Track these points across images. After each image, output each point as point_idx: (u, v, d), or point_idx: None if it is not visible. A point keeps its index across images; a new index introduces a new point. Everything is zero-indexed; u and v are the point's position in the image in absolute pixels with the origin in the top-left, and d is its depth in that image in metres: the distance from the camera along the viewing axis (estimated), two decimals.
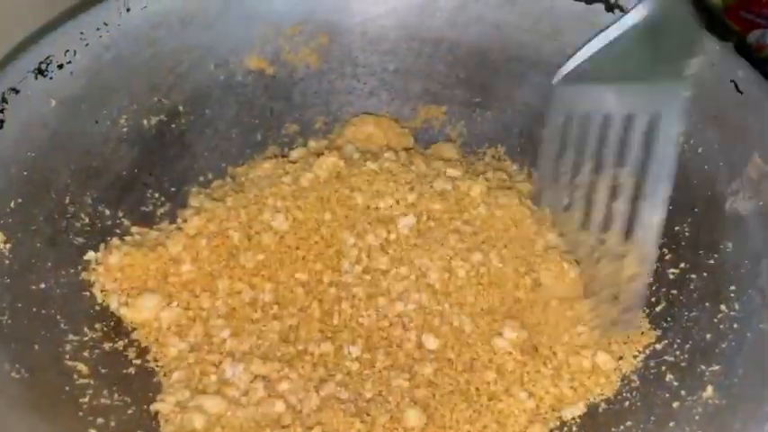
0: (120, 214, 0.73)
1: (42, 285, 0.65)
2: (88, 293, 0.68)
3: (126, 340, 0.67)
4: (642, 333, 0.66)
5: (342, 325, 0.66)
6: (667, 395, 0.61)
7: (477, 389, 0.64)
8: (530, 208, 0.73)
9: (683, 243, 0.68)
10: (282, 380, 0.63)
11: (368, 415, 0.62)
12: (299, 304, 0.67)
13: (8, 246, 0.64)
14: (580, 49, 0.73)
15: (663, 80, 0.66)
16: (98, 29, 0.72)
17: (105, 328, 0.67)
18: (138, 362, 0.66)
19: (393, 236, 0.70)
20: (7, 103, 0.67)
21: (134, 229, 0.72)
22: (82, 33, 0.72)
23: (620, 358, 0.65)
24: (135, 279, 0.68)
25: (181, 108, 0.77)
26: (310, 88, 0.81)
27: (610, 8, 0.74)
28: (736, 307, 0.62)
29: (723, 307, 0.63)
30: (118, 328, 0.67)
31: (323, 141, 0.80)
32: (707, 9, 0.95)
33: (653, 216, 0.65)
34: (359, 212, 0.71)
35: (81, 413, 0.60)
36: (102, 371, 0.64)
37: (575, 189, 0.71)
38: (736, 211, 0.66)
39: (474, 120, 0.81)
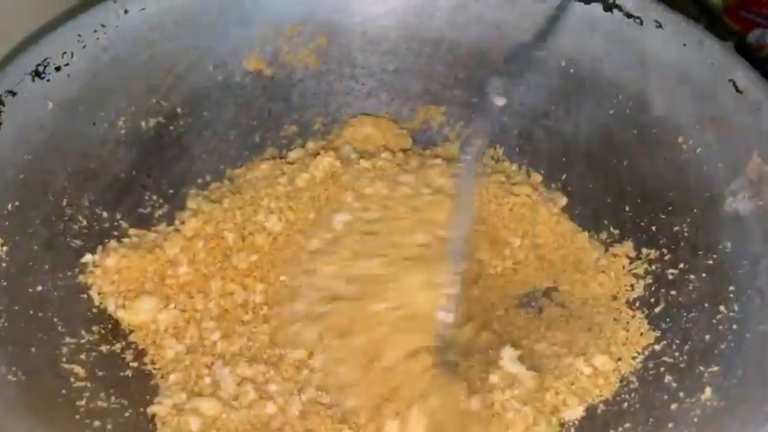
0: (118, 216, 0.73)
1: (39, 288, 0.65)
2: (85, 296, 0.68)
3: (123, 343, 0.67)
4: (641, 334, 0.66)
5: None
6: (666, 397, 0.61)
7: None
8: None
9: (682, 244, 0.68)
10: (269, 382, 0.63)
11: (355, 423, 0.62)
12: None
13: (5, 249, 0.64)
14: None
15: None
16: (95, 31, 0.72)
17: (103, 331, 0.67)
18: (136, 364, 0.66)
19: None
20: (4, 105, 0.67)
21: (132, 232, 0.72)
22: (79, 35, 0.71)
23: (619, 359, 0.65)
24: (132, 281, 0.68)
25: (179, 110, 0.77)
26: (309, 89, 0.81)
27: (608, 8, 0.73)
28: (736, 308, 0.62)
29: (722, 308, 0.63)
30: (115, 330, 0.67)
31: (321, 142, 0.80)
32: (707, 9, 0.95)
33: None
34: None
35: (78, 416, 0.60)
36: (100, 373, 0.64)
37: None
38: (736, 211, 0.65)
39: (473, 120, 0.81)
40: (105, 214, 0.72)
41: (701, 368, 0.60)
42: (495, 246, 0.74)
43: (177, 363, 0.65)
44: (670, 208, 0.70)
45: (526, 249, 0.74)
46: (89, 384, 0.62)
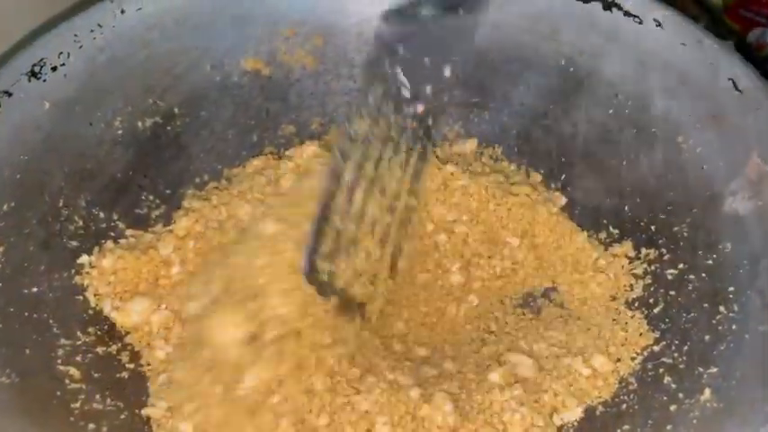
0: (115, 217, 0.72)
1: (35, 289, 0.65)
2: (81, 297, 0.67)
3: (119, 344, 0.67)
4: (640, 334, 0.66)
5: None
6: (665, 398, 0.60)
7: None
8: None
9: (681, 243, 0.68)
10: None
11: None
12: None
13: (1, 249, 0.64)
14: None
15: None
16: (92, 31, 0.72)
17: (98, 332, 0.66)
18: (132, 366, 0.66)
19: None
20: (0, 105, 0.67)
21: (128, 232, 0.72)
22: (76, 35, 0.71)
23: (618, 360, 0.65)
24: (128, 282, 0.68)
25: (176, 110, 0.77)
26: (306, 89, 0.81)
27: (607, 7, 0.73)
28: (735, 308, 0.62)
29: (722, 308, 0.62)
30: (111, 331, 0.67)
31: (319, 142, 0.80)
32: (707, 8, 0.95)
33: None
34: None
35: (72, 418, 0.60)
36: (95, 375, 0.63)
37: None
38: (736, 211, 0.65)
39: (471, 120, 0.81)
40: (102, 215, 0.72)
41: (701, 369, 0.60)
42: (493, 246, 0.74)
43: (168, 364, 0.65)
44: (669, 208, 0.70)
45: (525, 249, 0.74)
46: (84, 386, 0.62)
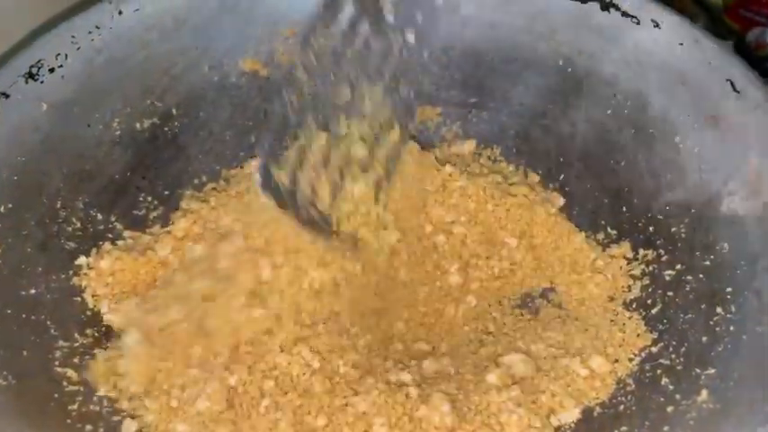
0: (113, 218, 0.72)
1: (33, 291, 0.65)
2: (79, 299, 0.68)
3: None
4: (638, 335, 0.66)
5: None
6: (662, 399, 0.60)
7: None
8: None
9: (679, 244, 0.68)
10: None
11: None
12: None
13: None
14: None
15: None
16: (90, 32, 0.72)
17: (96, 334, 0.66)
18: None
19: None
20: None
21: (126, 234, 0.72)
22: (73, 37, 0.72)
23: (616, 361, 0.65)
24: (126, 284, 0.68)
25: (174, 111, 0.77)
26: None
27: (605, 7, 0.73)
28: (733, 309, 0.62)
29: (719, 309, 0.62)
30: (109, 333, 0.67)
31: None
32: (707, 8, 0.95)
33: None
34: None
35: (69, 420, 0.60)
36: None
37: None
38: (733, 211, 0.65)
39: (469, 121, 0.81)
40: (100, 216, 0.72)
41: (698, 370, 0.60)
42: (492, 246, 0.74)
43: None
44: (667, 208, 0.70)
45: (523, 250, 0.73)
46: (82, 388, 0.62)
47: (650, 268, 0.69)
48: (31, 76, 0.69)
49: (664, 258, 0.68)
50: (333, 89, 0.65)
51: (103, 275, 0.68)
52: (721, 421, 0.56)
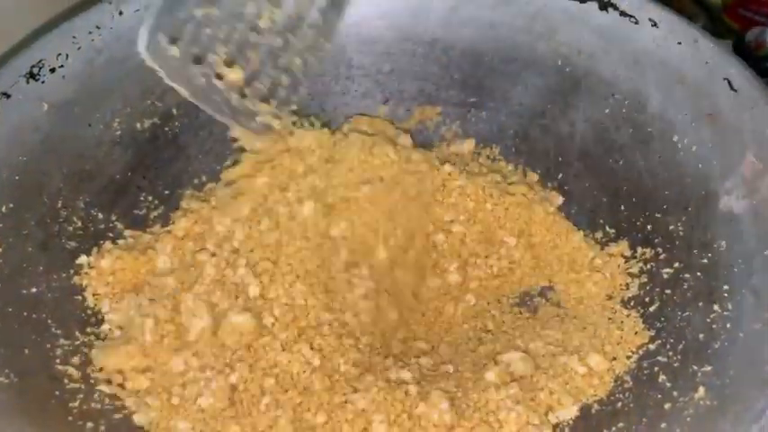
0: (114, 218, 0.73)
1: (34, 290, 0.65)
2: (80, 297, 0.68)
3: None
4: (636, 333, 0.66)
5: None
6: (659, 396, 0.61)
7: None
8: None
9: (677, 242, 0.68)
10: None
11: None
12: None
13: None
14: None
15: None
16: (90, 32, 0.73)
17: (96, 332, 0.66)
18: None
19: None
20: None
21: (127, 233, 0.72)
22: (74, 37, 0.72)
23: (614, 359, 0.65)
24: (126, 283, 0.69)
25: (174, 111, 0.77)
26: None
27: (603, 7, 0.74)
28: (730, 307, 0.62)
29: (716, 307, 0.63)
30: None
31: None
32: (706, 7, 0.95)
33: None
34: None
35: (71, 417, 0.60)
36: (93, 375, 0.64)
37: None
38: (731, 209, 0.65)
39: (469, 120, 0.81)
40: (100, 215, 0.72)
41: (695, 367, 0.60)
42: (491, 245, 0.74)
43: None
44: (665, 207, 0.70)
45: (522, 249, 0.74)
46: (82, 386, 0.62)
47: (648, 266, 0.69)
48: (31, 76, 0.69)
49: (662, 256, 0.69)
50: None
51: (104, 274, 0.68)
52: (718, 418, 0.56)
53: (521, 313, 0.71)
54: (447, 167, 0.75)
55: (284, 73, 0.71)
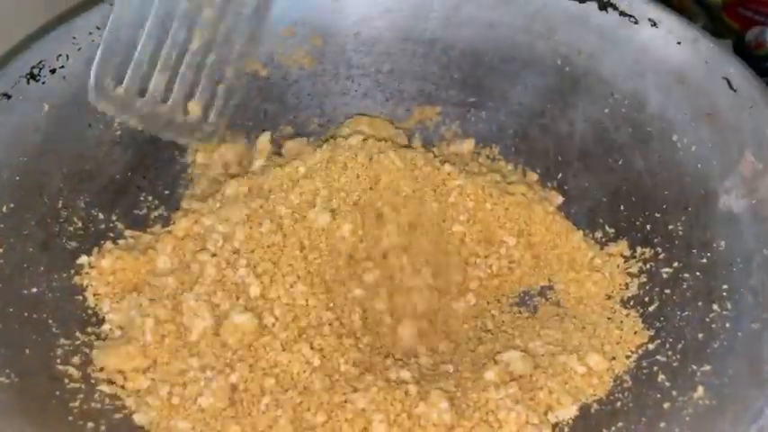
0: (114, 218, 0.73)
1: (34, 290, 0.65)
2: (81, 297, 0.68)
3: None
4: (635, 333, 0.66)
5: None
6: (659, 395, 0.61)
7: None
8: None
9: (676, 242, 0.68)
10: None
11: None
12: None
13: (0, 250, 0.65)
14: None
15: None
16: (90, 32, 0.73)
17: (97, 332, 0.66)
18: None
19: None
20: None
21: (127, 233, 0.72)
22: (74, 38, 0.72)
23: (613, 359, 0.65)
24: (127, 283, 0.69)
25: None
26: (304, 90, 0.81)
27: (603, 6, 0.74)
28: (729, 306, 0.62)
29: (715, 306, 0.63)
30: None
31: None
32: (706, 7, 0.95)
33: None
34: None
35: (71, 417, 0.60)
36: (93, 375, 0.64)
37: None
38: (730, 209, 0.66)
39: (468, 120, 0.81)
40: (101, 216, 0.72)
41: (694, 367, 0.60)
42: (490, 245, 0.74)
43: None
44: (665, 206, 0.70)
45: (521, 248, 0.74)
46: (83, 386, 0.62)
47: (648, 266, 0.69)
48: (32, 76, 0.69)
49: (661, 256, 0.69)
50: None
51: (105, 274, 0.68)
52: (717, 417, 0.56)
53: (520, 313, 0.71)
54: (446, 167, 0.75)
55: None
